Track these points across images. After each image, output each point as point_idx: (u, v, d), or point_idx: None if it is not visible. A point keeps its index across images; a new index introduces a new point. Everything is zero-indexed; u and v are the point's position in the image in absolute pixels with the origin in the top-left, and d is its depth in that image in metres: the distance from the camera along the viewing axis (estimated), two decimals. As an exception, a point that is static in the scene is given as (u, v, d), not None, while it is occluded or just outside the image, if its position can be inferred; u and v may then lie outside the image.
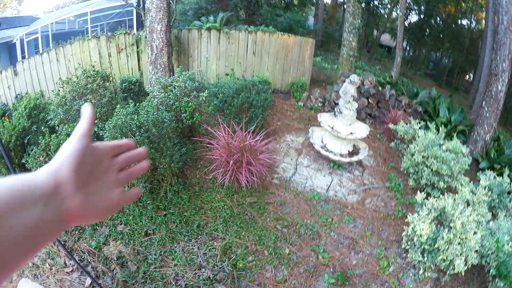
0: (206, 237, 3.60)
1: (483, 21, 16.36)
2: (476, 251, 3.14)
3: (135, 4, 8.46)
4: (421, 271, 3.35)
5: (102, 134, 3.61)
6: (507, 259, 3.06)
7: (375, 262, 3.58)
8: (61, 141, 3.54)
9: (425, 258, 3.29)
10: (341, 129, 4.74)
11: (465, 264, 3.03)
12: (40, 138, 3.64)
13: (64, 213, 0.40)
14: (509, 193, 4.34)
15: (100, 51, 6.77)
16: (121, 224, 3.64)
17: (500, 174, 4.58)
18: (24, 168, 3.99)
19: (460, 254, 3.06)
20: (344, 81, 4.96)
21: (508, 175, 4.47)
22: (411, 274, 3.46)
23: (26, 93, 7.02)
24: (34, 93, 6.89)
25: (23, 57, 9.46)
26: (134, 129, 3.52)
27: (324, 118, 4.94)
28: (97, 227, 3.61)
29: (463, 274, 3.09)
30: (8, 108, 6.61)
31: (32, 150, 3.74)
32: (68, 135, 3.58)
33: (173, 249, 3.42)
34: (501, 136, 7.15)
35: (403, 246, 3.56)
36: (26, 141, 4.20)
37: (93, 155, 0.46)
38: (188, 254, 3.37)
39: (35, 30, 10.51)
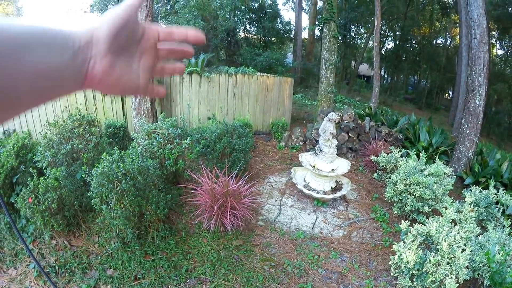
0: (194, 281, 3.61)
1: (458, 37, 16.73)
2: (467, 267, 3.17)
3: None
4: (412, 296, 3.36)
5: (89, 180, 3.68)
6: (500, 267, 3.08)
7: (365, 293, 3.58)
8: (49, 184, 3.63)
9: (415, 283, 3.30)
10: (322, 167, 4.86)
11: (457, 282, 3.05)
12: (28, 179, 3.68)
13: (87, 70, 0.39)
14: (497, 203, 4.32)
15: (86, 93, 6.83)
16: (110, 268, 3.65)
17: (487, 187, 4.54)
18: (12, 208, 3.98)
19: (450, 273, 3.09)
20: (323, 118, 5.14)
21: (494, 186, 4.44)
22: (402, 300, 3.46)
23: (14, 131, 6.99)
24: (22, 132, 6.88)
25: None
26: (120, 177, 3.61)
27: (306, 157, 5.07)
28: (87, 270, 3.63)
29: (455, 291, 3.13)
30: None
31: (20, 191, 3.77)
32: (56, 178, 3.68)
33: (163, 293, 3.41)
34: (484, 149, 7.19)
35: (392, 274, 3.57)
36: (14, 180, 4.19)
37: (136, 29, 0.44)
38: (178, 298, 3.36)
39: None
